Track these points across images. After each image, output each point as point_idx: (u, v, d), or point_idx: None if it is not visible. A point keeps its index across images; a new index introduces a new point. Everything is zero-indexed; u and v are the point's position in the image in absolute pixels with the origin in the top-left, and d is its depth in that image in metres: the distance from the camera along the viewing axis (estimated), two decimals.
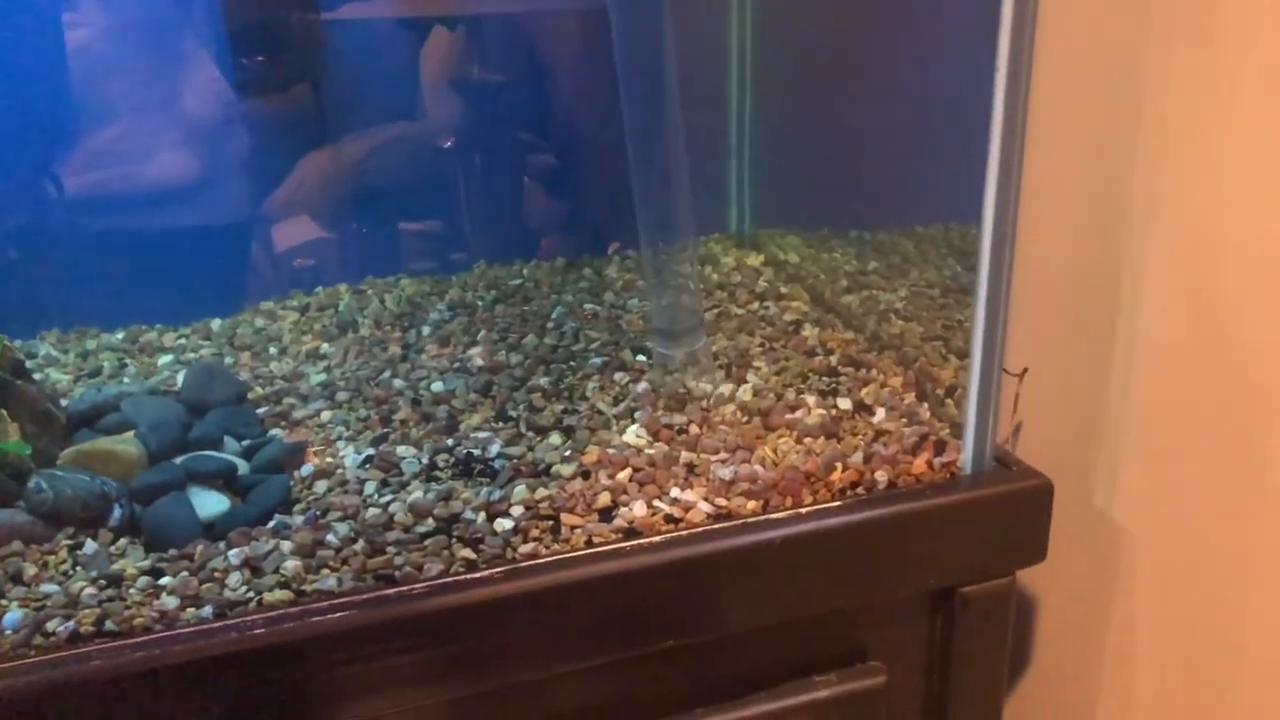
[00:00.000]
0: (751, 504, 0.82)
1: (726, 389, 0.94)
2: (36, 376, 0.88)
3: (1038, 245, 0.96)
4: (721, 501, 0.81)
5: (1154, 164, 0.87)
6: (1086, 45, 0.92)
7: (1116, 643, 0.98)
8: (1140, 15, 0.87)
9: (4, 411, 0.79)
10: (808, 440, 0.88)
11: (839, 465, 0.84)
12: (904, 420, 0.90)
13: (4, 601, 0.69)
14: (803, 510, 0.82)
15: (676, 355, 0.97)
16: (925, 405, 0.93)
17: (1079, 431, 0.98)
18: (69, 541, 0.75)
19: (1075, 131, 0.95)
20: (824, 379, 0.97)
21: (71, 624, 0.68)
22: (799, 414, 0.91)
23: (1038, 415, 1.01)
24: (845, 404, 0.92)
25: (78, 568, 0.73)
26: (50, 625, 0.68)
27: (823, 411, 0.91)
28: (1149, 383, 0.91)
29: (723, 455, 0.86)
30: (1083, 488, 0.98)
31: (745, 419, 0.91)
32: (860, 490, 0.84)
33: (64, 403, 0.89)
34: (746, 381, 0.96)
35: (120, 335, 1.09)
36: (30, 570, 0.72)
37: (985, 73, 0.78)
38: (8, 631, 0.67)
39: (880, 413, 0.91)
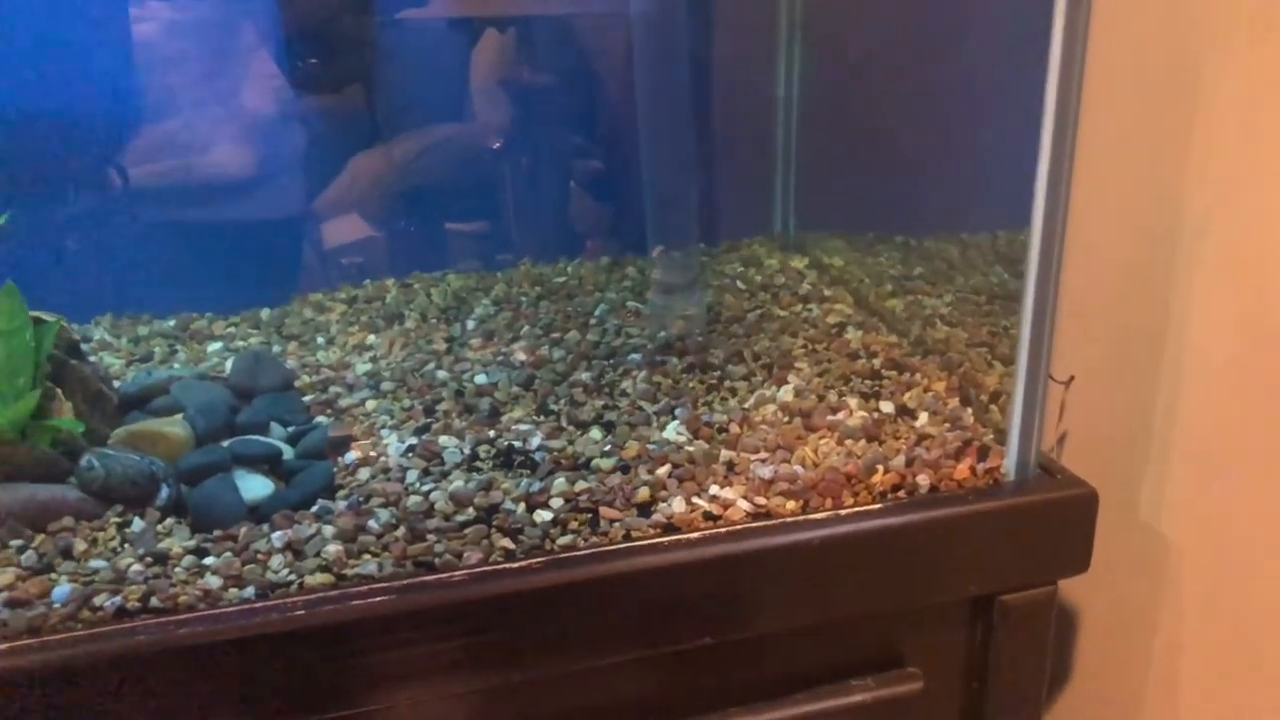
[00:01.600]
0: (791, 504, 0.81)
1: (768, 397, 0.94)
2: (91, 359, 0.90)
3: (1086, 252, 0.95)
4: (761, 500, 0.81)
5: (1206, 170, 0.86)
6: (1139, 48, 0.91)
7: (1161, 658, 0.96)
8: (1194, 17, 0.86)
9: (59, 390, 0.81)
10: (849, 442, 0.87)
11: (880, 468, 0.84)
12: (947, 425, 0.90)
13: (54, 575, 0.71)
14: (843, 512, 0.81)
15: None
16: (969, 410, 0.92)
17: (1125, 441, 0.97)
18: (118, 519, 0.76)
19: (1126, 137, 0.94)
20: (866, 382, 0.96)
21: (118, 599, 0.69)
22: (840, 416, 0.90)
23: (1083, 423, 1.00)
24: (888, 407, 0.92)
25: (125, 545, 0.74)
26: (98, 600, 0.69)
27: (865, 414, 0.91)
28: (1198, 393, 0.89)
29: (763, 454, 0.86)
30: (1128, 498, 0.96)
31: (786, 419, 0.90)
32: (901, 494, 0.84)
33: (116, 385, 0.91)
34: (788, 382, 0.96)
35: (171, 322, 1.11)
36: (80, 546, 0.73)
37: (1036, 76, 0.77)
38: (57, 605, 0.68)
39: (923, 417, 0.91)
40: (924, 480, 0.84)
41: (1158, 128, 0.90)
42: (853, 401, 0.92)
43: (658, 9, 1.27)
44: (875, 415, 0.91)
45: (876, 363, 0.99)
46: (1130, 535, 0.97)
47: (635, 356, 1.01)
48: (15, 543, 0.73)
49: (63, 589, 0.69)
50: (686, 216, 1.15)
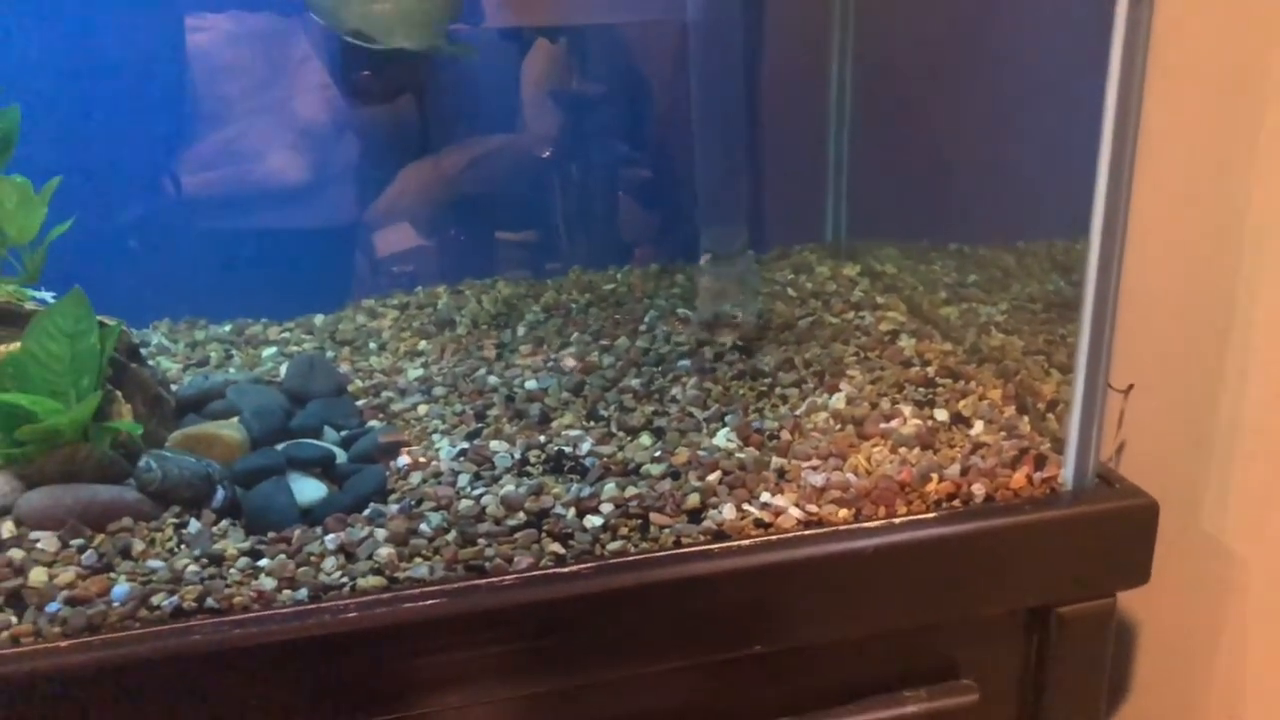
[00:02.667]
0: (843, 512, 0.80)
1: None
2: (149, 363, 0.92)
3: (1146, 257, 0.93)
4: (812, 508, 0.80)
5: (1271, 178, 0.84)
6: (1203, 55, 0.90)
7: (1224, 673, 0.94)
8: (1260, 24, 0.84)
9: (119, 392, 0.82)
10: (902, 450, 0.86)
11: (935, 476, 0.82)
12: (1003, 433, 0.88)
13: (113, 575, 0.72)
14: (896, 520, 0.80)
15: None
16: (1025, 419, 0.90)
17: (1186, 450, 0.94)
18: (174, 520, 0.77)
19: (1187, 139, 0.92)
20: (920, 389, 0.95)
21: (175, 599, 0.70)
22: (894, 423, 0.89)
23: (1143, 433, 0.98)
24: (942, 415, 0.91)
25: (182, 545, 0.75)
26: (155, 599, 0.70)
27: (918, 422, 0.89)
28: (1261, 400, 0.87)
29: (814, 462, 0.85)
30: (1189, 509, 0.94)
31: (838, 426, 0.90)
32: (956, 503, 0.83)
33: (174, 388, 0.93)
34: (840, 390, 0.95)
35: (227, 327, 1.13)
36: (138, 546, 0.74)
37: (1094, 83, 0.76)
38: (116, 603, 0.69)
39: (978, 425, 0.90)
40: (979, 489, 0.83)
41: (1219, 129, 0.88)
42: (906, 409, 0.91)
43: (710, 17, 1.27)
44: (929, 423, 0.89)
45: (930, 370, 0.98)
46: (1192, 546, 0.94)
47: (685, 363, 1.01)
48: (76, 542, 0.74)
49: (121, 588, 0.70)
50: (735, 223, 1.16)
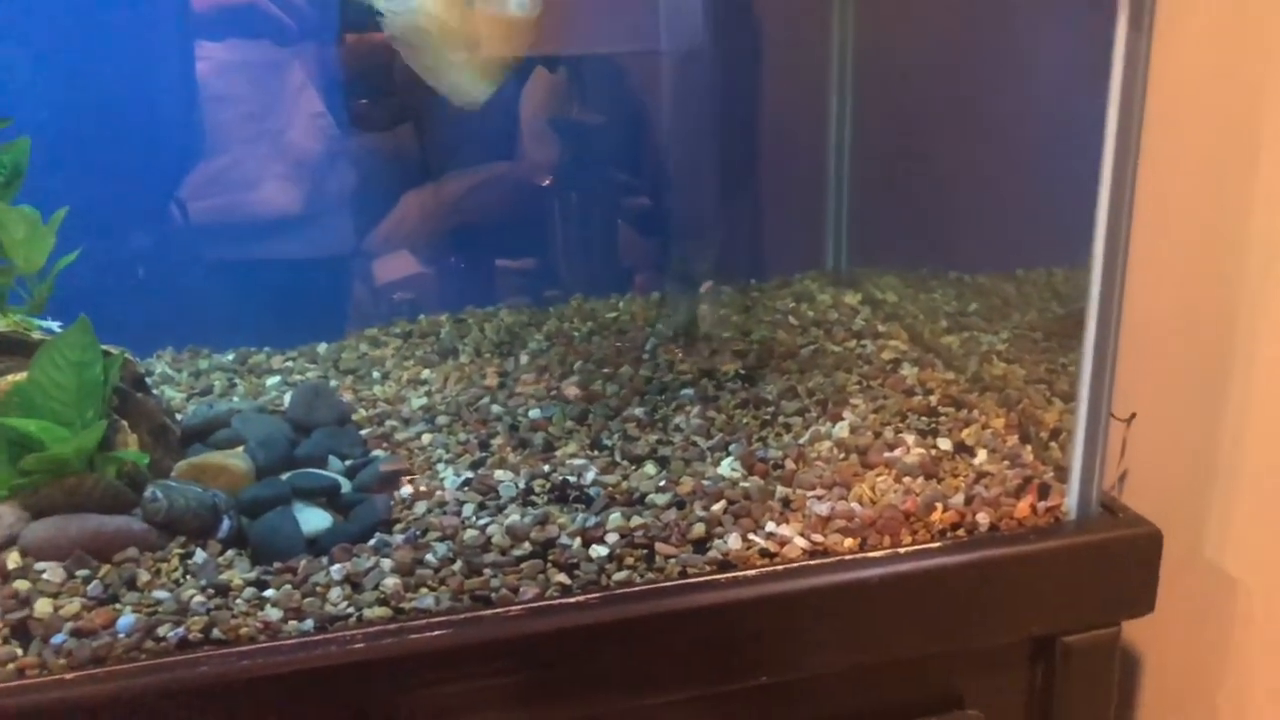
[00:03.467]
0: (849, 541, 0.81)
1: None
2: (154, 392, 0.92)
3: (1148, 286, 0.94)
4: (818, 537, 0.80)
5: (1273, 206, 0.85)
6: (1203, 83, 0.91)
7: (1229, 702, 0.94)
8: (1261, 49, 0.85)
9: (124, 422, 0.82)
10: (906, 479, 0.86)
11: (939, 505, 0.83)
12: (1006, 462, 0.89)
13: (119, 606, 0.72)
14: (901, 550, 0.80)
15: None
16: (1028, 448, 0.91)
17: (1189, 480, 0.95)
18: (180, 550, 0.77)
19: (1188, 169, 0.93)
20: (923, 418, 0.95)
21: (181, 630, 0.70)
22: (897, 453, 0.90)
23: (1146, 462, 0.98)
24: (945, 444, 0.91)
25: (188, 576, 0.75)
26: (161, 630, 0.70)
27: (922, 451, 0.90)
28: (1264, 431, 0.88)
29: (819, 491, 0.85)
30: (1193, 538, 0.94)
31: (842, 455, 0.90)
32: (961, 532, 0.83)
33: (178, 417, 0.93)
34: (843, 418, 0.95)
35: (231, 356, 1.13)
36: (144, 576, 0.74)
37: (1095, 112, 0.77)
38: (121, 635, 0.69)
39: (982, 454, 0.90)
40: (984, 518, 0.83)
41: (1221, 160, 0.89)
42: (909, 438, 0.92)
43: (710, 48, 1.28)
44: (933, 452, 0.90)
45: (933, 399, 0.98)
46: (1196, 575, 0.94)
47: (688, 391, 1.01)
48: (82, 573, 0.74)
49: (127, 619, 0.70)
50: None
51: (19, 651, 0.68)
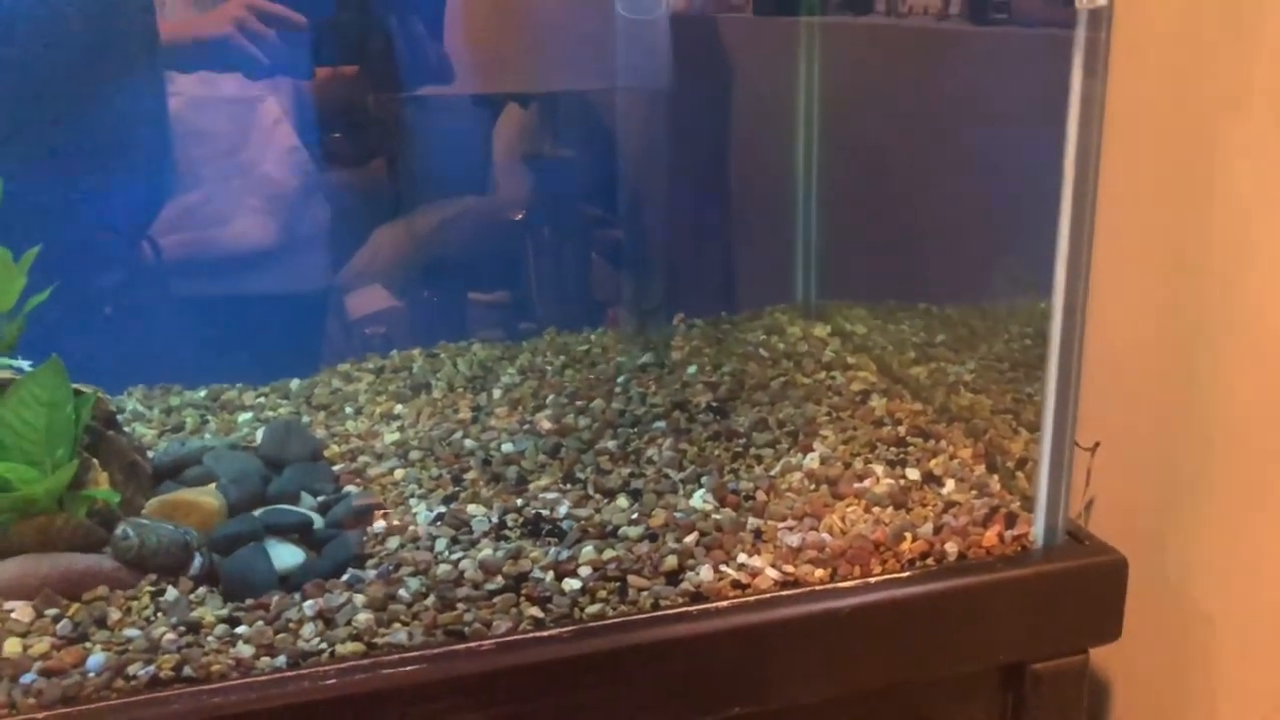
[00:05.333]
0: (820, 571, 0.81)
1: (796, 459, 0.94)
2: (125, 429, 0.91)
3: (1109, 318, 0.96)
4: (789, 568, 0.81)
5: (1230, 233, 0.87)
6: (1158, 116, 0.93)
7: None
8: (1213, 88, 0.87)
9: (95, 460, 0.82)
10: (876, 509, 0.87)
11: (908, 535, 0.84)
12: (974, 492, 0.90)
13: (89, 644, 0.71)
14: (871, 580, 0.81)
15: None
16: (995, 477, 0.92)
17: (1154, 507, 0.96)
18: (151, 588, 0.77)
19: (1146, 202, 0.95)
20: (892, 449, 0.97)
21: (152, 668, 0.69)
22: (867, 483, 0.91)
23: (1111, 490, 1.00)
24: (914, 474, 0.92)
25: (159, 614, 0.75)
26: (131, 669, 0.69)
27: (891, 481, 0.91)
28: (1224, 458, 0.89)
29: (790, 522, 0.86)
30: (1158, 564, 0.96)
31: (813, 486, 0.91)
32: (930, 561, 0.84)
33: (150, 454, 0.92)
34: (813, 450, 0.96)
35: (202, 393, 1.13)
36: (114, 615, 0.74)
37: (1054, 145, 0.79)
38: (91, 674, 0.69)
39: (950, 484, 0.91)
40: (952, 548, 0.84)
41: (1178, 190, 0.92)
42: (879, 469, 0.93)
43: (677, 85, 1.31)
44: (902, 482, 0.91)
45: (901, 430, 1.00)
46: (1162, 602, 0.96)
47: (660, 424, 1.02)
48: (51, 611, 0.73)
49: (97, 658, 0.70)
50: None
51: None
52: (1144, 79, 0.93)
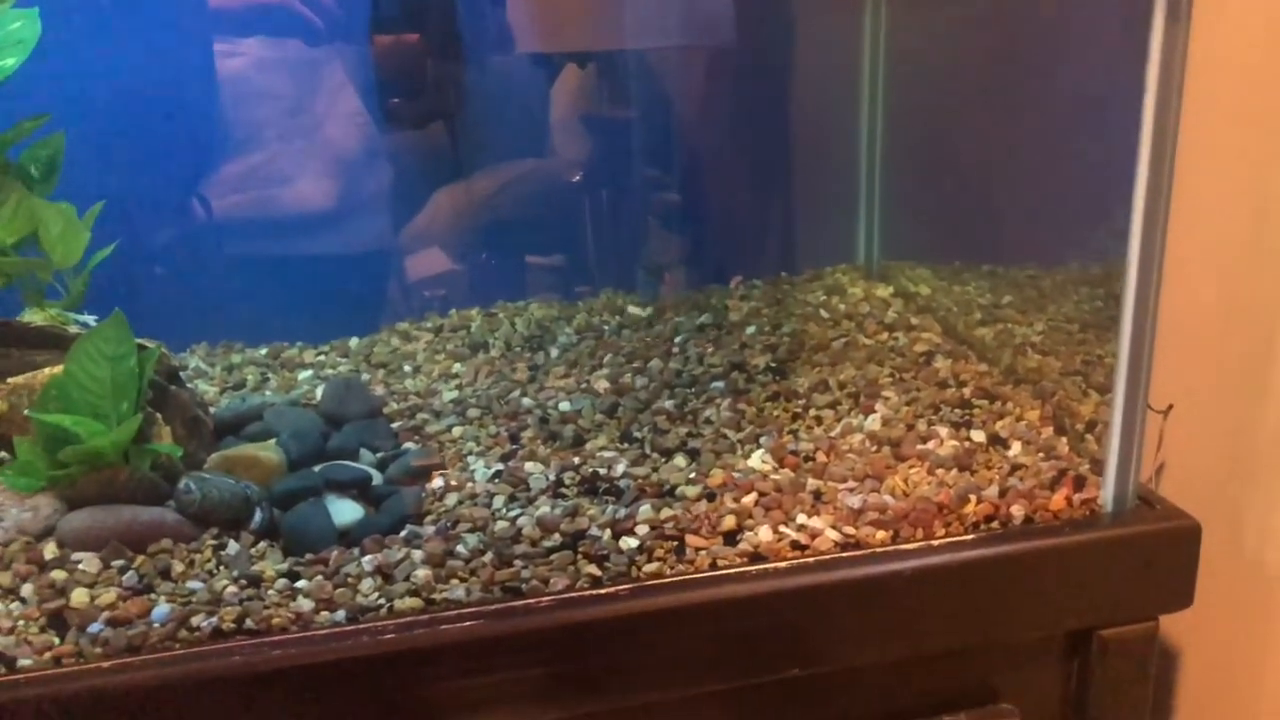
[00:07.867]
0: (881, 534, 0.80)
1: (856, 420, 0.93)
2: (188, 385, 0.92)
3: (1184, 276, 0.92)
4: (850, 530, 0.80)
5: None
6: (1240, 76, 0.89)
7: (1271, 698, 0.92)
8: None
9: (159, 415, 0.83)
10: (940, 472, 0.85)
11: (973, 498, 0.82)
12: (1041, 455, 0.87)
13: (153, 596, 0.72)
14: (935, 542, 0.80)
15: None
16: (1064, 440, 0.89)
17: (1228, 473, 0.93)
18: (213, 541, 0.78)
19: (1225, 157, 0.91)
20: (956, 411, 0.94)
21: (214, 620, 0.70)
22: (930, 445, 0.89)
23: (1183, 455, 0.97)
24: (979, 436, 0.90)
25: (221, 567, 0.76)
26: (195, 620, 0.70)
27: (955, 443, 0.89)
28: None
29: (851, 484, 0.84)
30: (1233, 532, 0.93)
31: (874, 448, 0.89)
32: (995, 524, 0.82)
33: (212, 410, 0.93)
34: (875, 411, 0.94)
35: (263, 351, 1.14)
36: (178, 567, 0.75)
37: (1131, 104, 0.76)
38: (156, 624, 0.70)
39: (1016, 446, 0.89)
40: (1018, 511, 0.82)
41: (1257, 147, 0.88)
42: (943, 430, 0.91)
43: (739, 43, 1.28)
44: (966, 444, 0.89)
45: (966, 391, 0.97)
46: (1235, 569, 0.93)
47: (718, 384, 1.01)
48: (117, 563, 0.75)
49: (162, 609, 0.71)
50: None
51: (56, 640, 0.69)
52: (1228, 27, 0.89)
